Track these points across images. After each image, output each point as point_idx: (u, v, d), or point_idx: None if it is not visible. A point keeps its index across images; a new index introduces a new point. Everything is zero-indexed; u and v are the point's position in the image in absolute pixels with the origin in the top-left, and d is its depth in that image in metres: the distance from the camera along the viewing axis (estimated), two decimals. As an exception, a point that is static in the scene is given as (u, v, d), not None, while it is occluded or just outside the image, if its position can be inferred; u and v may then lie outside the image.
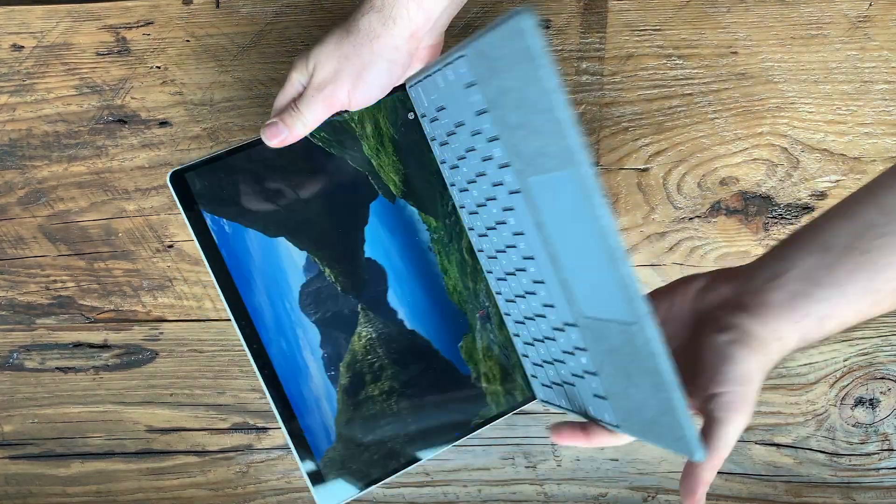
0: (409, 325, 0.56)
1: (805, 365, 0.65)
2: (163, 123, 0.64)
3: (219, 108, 0.64)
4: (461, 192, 0.53)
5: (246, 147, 0.52)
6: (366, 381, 0.55)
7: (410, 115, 0.54)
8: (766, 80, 0.61)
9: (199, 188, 0.51)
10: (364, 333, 0.55)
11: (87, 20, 0.63)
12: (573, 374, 0.48)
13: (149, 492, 0.71)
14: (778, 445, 0.67)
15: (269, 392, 0.53)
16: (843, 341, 0.64)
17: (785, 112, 0.61)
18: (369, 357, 0.55)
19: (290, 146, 0.50)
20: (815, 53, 0.60)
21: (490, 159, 0.46)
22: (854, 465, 0.67)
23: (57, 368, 0.69)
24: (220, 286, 0.51)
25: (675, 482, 0.68)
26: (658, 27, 0.61)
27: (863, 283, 0.37)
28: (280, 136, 0.48)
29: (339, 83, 0.46)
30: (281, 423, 0.53)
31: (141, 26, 0.63)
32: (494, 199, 0.48)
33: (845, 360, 0.65)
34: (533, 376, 0.55)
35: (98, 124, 0.64)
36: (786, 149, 0.62)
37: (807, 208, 0.62)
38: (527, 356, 0.54)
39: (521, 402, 0.58)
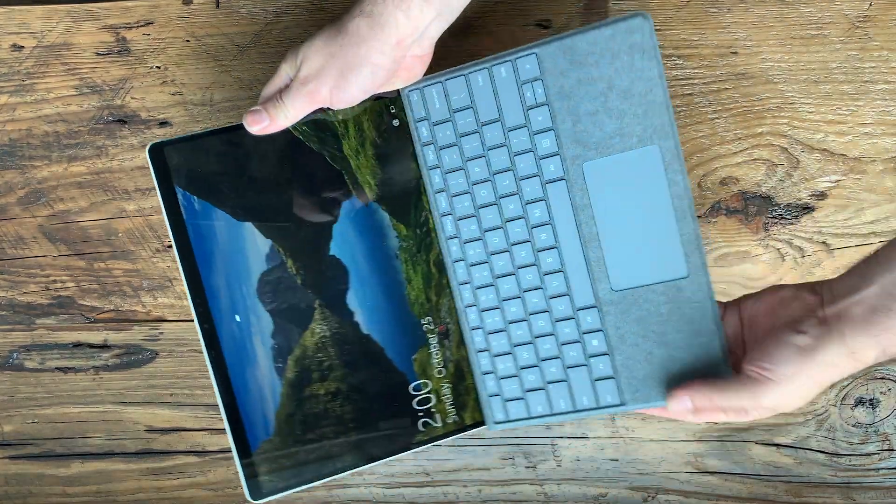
0: (364, 328, 0.55)
1: (805, 365, 0.65)
2: (163, 123, 0.64)
3: (219, 108, 0.64)
4: (455, 196, 0.54)
5: (227, 130, 0.52)
6: (313, 378, 0.55)
7: (396, 123, 0.55)
8: (766, 80, 0.61)
9: (176, 163, 0.52)
10: (318, 330, 0.55)
11: (87, 20, 0.63)
12: (568, 368, 0.52)
13: (149, 492, 0.71)
14: (778, 445, 0.67)
15: (214, 372, 0.52)
16: (843, 341, 0.64)
17: (785, 112, 0.61)
18: (319, 355, 0.55)
19: (272, 136, 0.51)
20: (815, 53, 0.60)
21: (527, 153, 0.51)
22: (854, 465, 0.67)
23: (57, 368, 0.69)
24: (181, 260, 0.52)
25: (675, 482, 0.68)
26: (658, 27, 0.61)
27: None
28: (261, 123, 0.49)
29: (322, 80, 0.47)
30: (221, 406, 0.53)
31: (141, 26, 0.63)
32: (514, 193, 0.52)
33: (845, 360, 0.65)
34: (494, 395, 0.55)
35: (98, 124, 0.64)
36: (786, 149, 0.62)
37: (807, 208, 0.62)
38: (491, 372, 0.55)
39: (468, 426, 0.56)
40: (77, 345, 0.68)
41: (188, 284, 0.52)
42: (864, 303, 0.41)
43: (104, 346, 0.68)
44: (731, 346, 0.50)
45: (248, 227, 0.53)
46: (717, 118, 0.62)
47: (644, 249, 0.50)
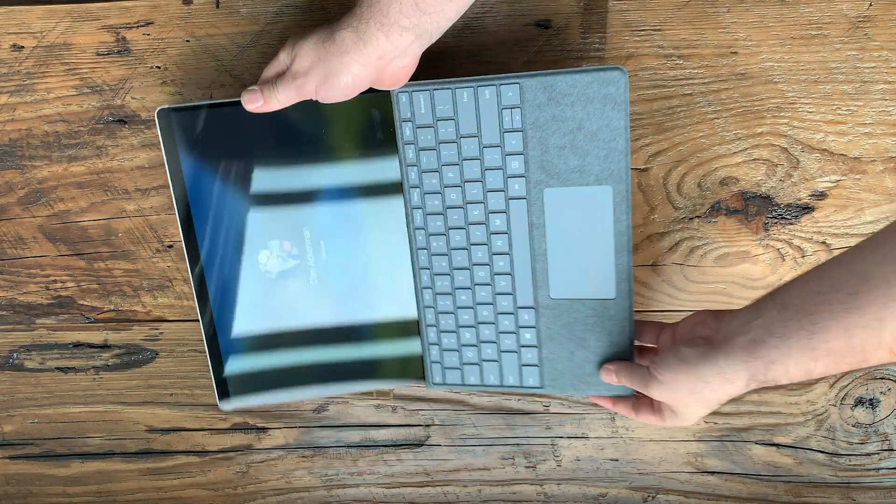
0: (340, 273, 0.62)
1: (805, 365, 0.65)
2: (163, 123, 0.64)
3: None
4: (427, 194, 0.59)
5: (232, 104, 0.58)
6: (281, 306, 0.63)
7: (377, 114, 0.59)
8: (766, 80, 0.61)
9: (181, 128, 0.59)
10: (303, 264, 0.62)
11: (87, 20, 0.63)
12: (502, 352, 0.60)
13: (149, 492, 0.71)
14: (778, 445, 0.67)
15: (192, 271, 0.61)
16: (843, 341, 0.65)
17: (785, 112, 0.61)
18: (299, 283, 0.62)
19: (269, 115, 0.56)
20: (815, 53, 0.60)
21: (497, 169, 0.57)
22: (854, 465, 0.67)
23: (57, 368, 0.69)
24: (177, 204, 0.60)
25: (675, 482, 0.68)
26: (658, 27, 0.61)
27: (804, 340, 0.43)
28: (256, 103, 0.54)
29: (309, 78, 0.52)
30: (197, 308, 0.61)
31: (141, 26, 0.63)
32: (480, 202, 0.58)
33: (845, 360, 0.65)
34: (436, 362, 0.62)
35: (98, 124, 0.64)
36: (786, 149, 0.62)
37: (807, 208, 0.62)
38: (437, 344, 0.62)
39: (410, 377, 0.64)
40: (77, 345, 0.68)
41: (181, 223, 0.60)
42: (747, 334, 0.46)
43: (104, 346, 0.68)
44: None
45: (239, 188, 0.61)
46: (717, 118, 0.61)
47: (583, 269, 0.57)
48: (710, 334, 0.50)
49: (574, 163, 0.55)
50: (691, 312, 0.55)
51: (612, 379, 0.56)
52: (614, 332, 0.57)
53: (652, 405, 0.55)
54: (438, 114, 0.57)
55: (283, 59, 0.53)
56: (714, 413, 0.66)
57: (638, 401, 0.57)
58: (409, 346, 0.63)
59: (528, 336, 0.59)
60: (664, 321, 0.59)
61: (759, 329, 0.45)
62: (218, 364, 0.63)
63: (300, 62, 0.52)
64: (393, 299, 0.63)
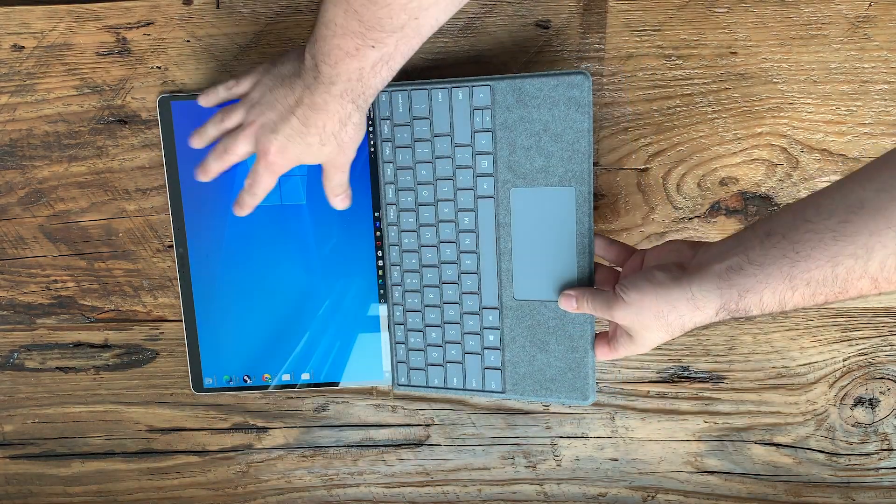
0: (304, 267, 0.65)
1: (805, 365, 0.65)
2: (163, 123, 0.64)
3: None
4: (401, 191, 0.61)
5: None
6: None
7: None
8: (766, 80, 0.61)
9: (178, 116, 0.62)
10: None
11: (87, 20, 0.63)
12: (466, 353, 0.61)
13: (149, 491, 0.71)
14: (778, 445, 0.67)
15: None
16: (843, 341, 0.64)
17: (785, 112, 0.61)
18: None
19: None
20: (814, 53, 0.60)
21: (468, 168, 0.58)
22: (854, 464, 0.67)
23: (57, 368, 0.69)
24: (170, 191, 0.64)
25: (675, 482, 0.68)
26: (658, 27, 0.61)
27: (785, 268, 0.42)
28: (206, 177, 0.58)
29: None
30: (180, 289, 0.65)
31: (141, 26, 0.63)
32: (450, 199, 0.59)
33: (845, 360, 0.65)
34: (402, 362, 0.63)
35: (98, 124, 0.64)
36: (785, 149, 0.62)
37: (806, 208, 0.62)
38: (403, 343, 0.63)
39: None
40: (77, 345, 0.68)
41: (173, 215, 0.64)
42: (724, 261, 0.45)
43: (104, 346, 0.68)
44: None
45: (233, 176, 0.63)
46: (717, 118, 0.62)
47: (546, 270, 0.58)
48: (683, 261, 0.49)
49: (539, 163, 0.56)
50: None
51: (572, 305, 0.55)
52: (575, 335, 0.57)
53: (606, 339, 0.55)
54: (415, 112, 0.59)
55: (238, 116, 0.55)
56: (714, 413, 0.66)
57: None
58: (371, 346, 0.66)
59: (491, 338, 0.60)
60: (634, 246, 0.59)
61: (738, 256, 0.44)
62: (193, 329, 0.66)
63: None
64: (357, 296, 0.65)
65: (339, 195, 0.57)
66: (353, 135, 0.52)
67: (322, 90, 0.48)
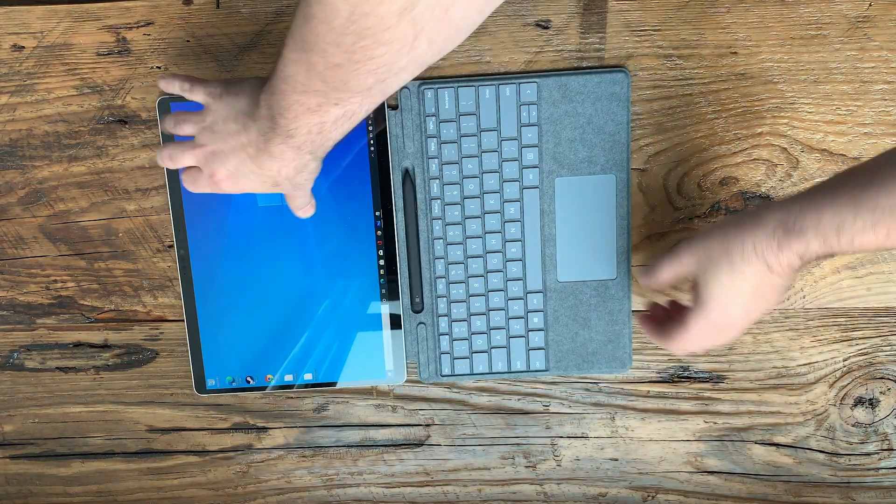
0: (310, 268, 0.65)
1: (805, 365, 0.65)
2: (163, 123, 0.64)
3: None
4: (446, 185, 0.63)
5: None
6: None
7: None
8: (766, 80, 0.61)
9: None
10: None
11: (87, 20, 0.63)
12: (511, 337, 0.65)
13: (149, 491, 0.71)
14: (778, 445, 0.67)
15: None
16: (843, 341, 0.64)
17: (785, 112, 0.61)
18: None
19: None
20: (814, 54, 0.60)
21: (514, 161, 0.62)
22: (854, 464, 0.67)
23: (57, 368, 0.69)
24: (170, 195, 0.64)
25: (674, 482, 0.68)
26: (658, 27, 0.61)
27: (856, 191, 0.42)
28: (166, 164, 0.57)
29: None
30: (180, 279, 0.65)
31: (141, 26, 0.63)
32: (496, 192, 0.63)
33: (845, 360, 0.65)
34: (445, 353, 0.65)
35: (98, 124, 0.64)
36: (785, 149, 0.62)
37: (806, 208, 0.62)
38: (447, 334, 0.65)
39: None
40: (77, 344, 0.68)
41: (174, 222, 0.64)
42: (779, 211, 0.46)
43: (104, 346, 0.68)
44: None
45: None
46: (717, 118, 0.62)
47: (587, 253, 0.63)
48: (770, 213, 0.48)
49: (583, 153, 0.62)
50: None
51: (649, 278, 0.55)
52: (615, 310, 0.64)
53: (674, 318, 0.53)
54: (462, 109, 0.62)
55: (194, 126, 0.53)
56: (714, 413, 0.66)
57: (661, 325, 0.56)
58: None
59: (535, 320, 0.64)
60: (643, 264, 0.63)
61: (794, 207, 0.45)
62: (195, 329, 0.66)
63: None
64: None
65: (302, 208, 0.56)
66: (309, 177, 0.51)
67: (278, 141, 0.46)
